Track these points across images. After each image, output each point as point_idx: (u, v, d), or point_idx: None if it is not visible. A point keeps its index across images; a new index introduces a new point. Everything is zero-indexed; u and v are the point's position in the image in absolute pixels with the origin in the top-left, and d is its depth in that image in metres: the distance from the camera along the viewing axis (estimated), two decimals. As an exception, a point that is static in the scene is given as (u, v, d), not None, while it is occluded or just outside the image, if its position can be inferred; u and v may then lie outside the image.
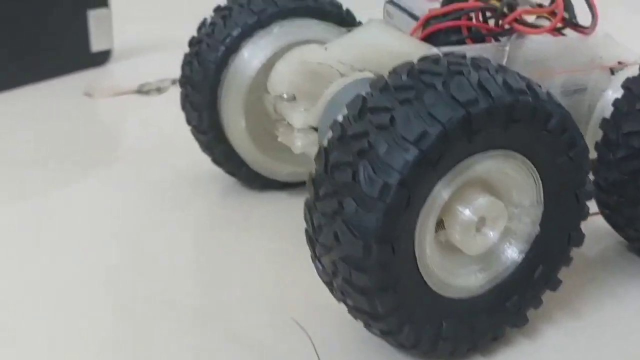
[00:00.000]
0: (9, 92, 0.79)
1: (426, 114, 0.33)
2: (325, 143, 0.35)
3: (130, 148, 0.68)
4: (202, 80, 0.50)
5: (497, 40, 0.44)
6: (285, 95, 0.45)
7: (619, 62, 0.49)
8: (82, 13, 0.84)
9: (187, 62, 0.52)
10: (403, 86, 0.34)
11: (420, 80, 0.34)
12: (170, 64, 0.66)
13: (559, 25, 0.44)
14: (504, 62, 0.44)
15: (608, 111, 0.47)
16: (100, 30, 0.86)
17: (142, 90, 0.78)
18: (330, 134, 0.35)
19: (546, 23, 0.46)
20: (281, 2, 0.50)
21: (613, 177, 0.46)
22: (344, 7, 0.54)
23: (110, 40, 0.87)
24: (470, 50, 0.43)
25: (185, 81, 0.52)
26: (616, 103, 0.47)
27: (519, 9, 0.43)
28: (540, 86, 0.37)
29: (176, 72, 0.55)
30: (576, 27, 0.47)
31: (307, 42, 0.49)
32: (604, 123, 0.47)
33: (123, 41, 0.89)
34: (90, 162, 0.65)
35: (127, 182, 0.60)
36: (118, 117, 0.76)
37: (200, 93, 0.50)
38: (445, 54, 0.37)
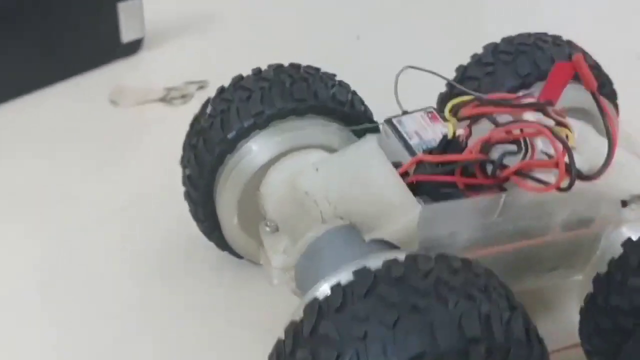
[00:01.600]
0: (39, 91, 0.80)
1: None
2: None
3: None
4: (198, 177, 0.49)
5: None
6: (267, 226, 0.44)
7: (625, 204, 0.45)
8: (112, 5, 0.83)
9: (186, 153, 0.51)
10: (355, 317, 0.33)
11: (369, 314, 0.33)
12: (202, 51, 0.77)
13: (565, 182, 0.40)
14: (496, 215, 0.42)
15: (616, 249, 0.45)
16: (131, 20, 0.84)
17: (166, 99, 0.78)
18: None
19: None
20: (279, 103, 0.48)
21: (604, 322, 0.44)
22: (349, 99, 0.50)
23: (142, 29, 0.86)
24: (461, 204, 0.41)
25: (184, 165, 0.52)
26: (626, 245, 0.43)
27: (520, 163, 0.41)
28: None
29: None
30: (583, 178, 0.43)
31: (308, 146, 0.48)
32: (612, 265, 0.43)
33: (155, 24, 0.88)
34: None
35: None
36: (140, 130, 0.75)
37: (197, 190, 0.50)
38: (409, 266, 0.35)
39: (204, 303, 0.54)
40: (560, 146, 0.40)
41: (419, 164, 0.42)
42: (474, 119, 0.42)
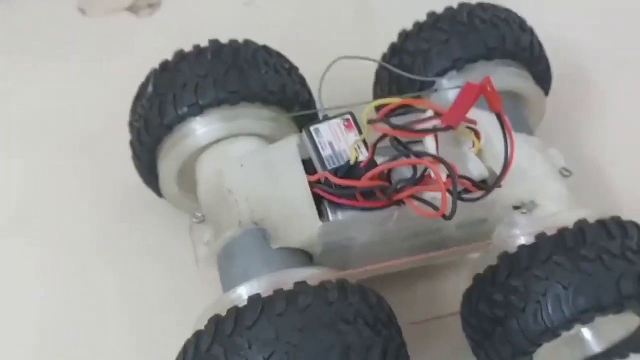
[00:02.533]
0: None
1: None
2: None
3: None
4: (140, 151, 0.54)
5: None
6: (195, 217, 0.50)
7: (519, 207, 0.50)
8: None
9: (132, 123, 0.55)
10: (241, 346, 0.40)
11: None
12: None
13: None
14: (391, 225, 0.47)
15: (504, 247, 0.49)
16: None
17: (134, 9, 0.79)
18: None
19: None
20: (212, 94, 0.51)
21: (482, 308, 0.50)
22: (291, 85, 0.54)
23: None
24: (359, 217, 0.46)
25: (130, 131, 0.56)
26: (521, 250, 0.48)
27: (412, 189, 0.45)
28: None
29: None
30: (479, 188, 0.48)
31: (241, 134, 0.52)
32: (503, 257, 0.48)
33: None
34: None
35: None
36: (107, 43, 0.77)
37: (140, 160, 0.55)
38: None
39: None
40: (444, 179, 0.44)
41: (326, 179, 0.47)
42: (380, 139, 0.47)
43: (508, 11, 0.59)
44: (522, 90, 0.57)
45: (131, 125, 0.56)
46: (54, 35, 0.77)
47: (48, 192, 0.65)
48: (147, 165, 0.55)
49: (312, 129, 0.48)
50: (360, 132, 0.48)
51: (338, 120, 0.49)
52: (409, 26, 0.60)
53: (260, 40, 0.59)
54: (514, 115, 0.54)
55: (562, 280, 0.45)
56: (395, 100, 0.49)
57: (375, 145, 0.47)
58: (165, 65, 0.54)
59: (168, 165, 0.54)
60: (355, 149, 0.47)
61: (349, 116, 0.50)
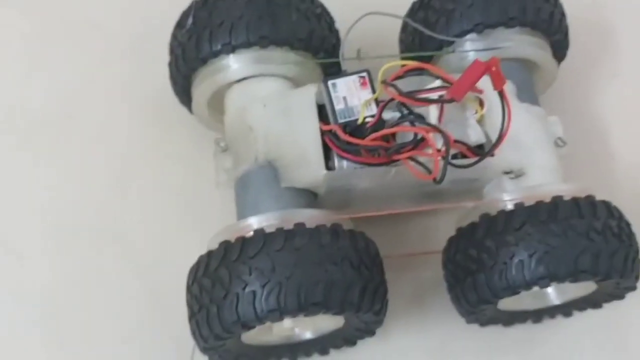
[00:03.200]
0: None
1: None
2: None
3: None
4: (176, 75, 0.60)
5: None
6: (219, 145, 0.56)
7: (508, 172, 0.55)
8: None
9: (171, 49, 0.60)
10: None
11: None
12: None
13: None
14: (389, 178, 0.53)
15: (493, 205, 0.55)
16: None
17: None
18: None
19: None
20: (243, 36, 0.55)
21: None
22: (319, 31, 0.58)
23: None
24: (360, 171, 0.52)
25: (169, 54, 0.61)
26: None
27: (409, 151, 0.50)
28: None
29: None
30: (472, 153, 0.53)
31: (269, 74, 0.57)
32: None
33: None
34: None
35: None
36: None
37: (176, 84, 0.61)
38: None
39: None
40: (437, 147, 0.50)
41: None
42: (388, 101, 0.52)
43: None
44: (536, 58, 0.61)
45: (171, 49, 0.61)
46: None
47: (94, 90, 0.71)
48: (181, 88, 0.61)
49: (329, 82, 0.53)
50: (374, 91, 0.53)
51: (354, 77, 0.54)
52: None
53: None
54: (523, 84, 0.59)
55: (528, 249, 0.51)
56: (409, 63, 0.54)
57: (382, 107, 0.52)
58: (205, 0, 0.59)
59: (200, 93, 0.59)
60: (365, 107, 0.52)
61: (365, 74, 0.54)
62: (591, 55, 0.74)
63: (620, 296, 0.58)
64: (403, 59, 0.62)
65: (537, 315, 0.60)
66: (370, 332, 0.56)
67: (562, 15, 0.63)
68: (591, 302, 0.59)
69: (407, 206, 0.57)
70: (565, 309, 0.60)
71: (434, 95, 0.52)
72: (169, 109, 0.68)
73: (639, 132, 0.70)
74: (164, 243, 0.64)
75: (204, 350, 0.53)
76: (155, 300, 0.62)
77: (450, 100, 0.52)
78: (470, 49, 0.59)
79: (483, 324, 0.59)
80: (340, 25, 0.61)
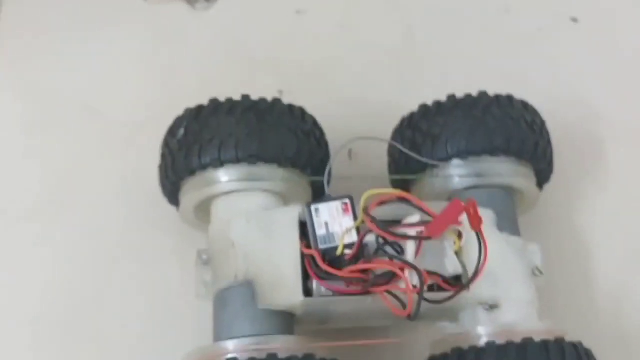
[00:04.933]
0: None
1: None
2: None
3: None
4: (165, 180, 0.61)
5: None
6: (203, 256, 0.57)
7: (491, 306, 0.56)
8: None
9: (162, 156, 0.62)
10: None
11: None
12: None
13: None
14: (365, 306, 0.54)
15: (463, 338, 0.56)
16: None
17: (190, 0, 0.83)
18: None
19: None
20: (232, 153, 0.57)
21: None
22: (307, 149, 0.59)
23: None
24: (336, 300, 0.52)
25: (160, 160, 0.63)
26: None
27: (383, 286, 0.51)
28: None
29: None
30: (447, 285, 0.54)
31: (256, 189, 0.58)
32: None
33: None
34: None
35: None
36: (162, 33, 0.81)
37: (165, 188, 0.62)
38: None
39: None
40: (411, 284, 0.51)
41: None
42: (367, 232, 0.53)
43: (524, 107, 0.63)
44: (519, 187, 0.62)
45: (162, 155, 0.62)
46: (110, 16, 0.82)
47: (81, 178, 0.72)
48: (170, 192, 0.62)
49: (313, 207, 0.54)
50: (356, 217, 0.54)
51: (337, 203, 0.55)
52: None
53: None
54: (504, 211, 0.60)
55: (496, 388, 0.52)
56: (390, 192, 0.55)
57: (362, 238, 0.53)
58: (198, 112, 0.60)
59: (187, 200, 0.61)
60: (346, 236, 0.53)
61: (347, 200, 0.55)
62: (582, 168, 0.76)
63: None
64: (391, 180, 0.65)
65: None
66: None
67: (548, 143, 0.64)
68: None
69: (385, 323, 0.59)
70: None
71: (412, 231, 0.53)
72: (164, 206, 0.67)
73: (622, 255, 0.72)
74: (139, 347, 0.64)
75: None
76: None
77: (428, 238, 0.53)
78: (455, 174, 0.61)
79: None
80: (333, 135, 0.63)
